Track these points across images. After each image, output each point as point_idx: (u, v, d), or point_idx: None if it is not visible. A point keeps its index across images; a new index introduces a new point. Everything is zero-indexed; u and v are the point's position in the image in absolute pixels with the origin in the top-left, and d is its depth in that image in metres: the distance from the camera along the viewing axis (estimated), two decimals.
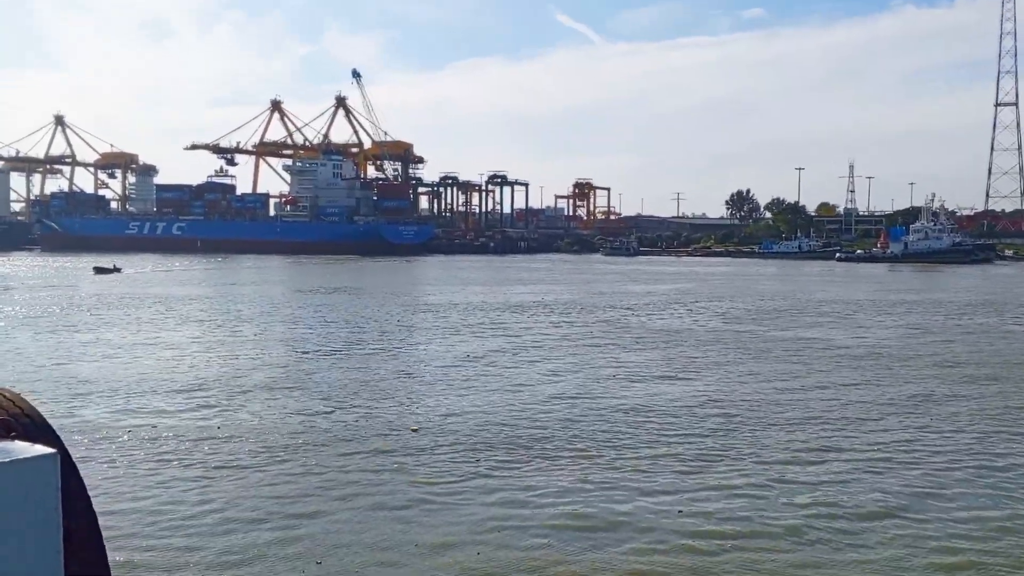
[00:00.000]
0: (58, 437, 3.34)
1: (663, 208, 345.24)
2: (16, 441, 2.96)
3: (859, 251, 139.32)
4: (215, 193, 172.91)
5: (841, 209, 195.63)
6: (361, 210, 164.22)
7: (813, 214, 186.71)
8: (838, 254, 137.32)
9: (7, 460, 2.70)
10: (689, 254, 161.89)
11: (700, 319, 45.54)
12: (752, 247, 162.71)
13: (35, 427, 3.29)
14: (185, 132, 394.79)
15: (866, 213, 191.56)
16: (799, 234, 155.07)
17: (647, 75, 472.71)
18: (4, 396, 3.40)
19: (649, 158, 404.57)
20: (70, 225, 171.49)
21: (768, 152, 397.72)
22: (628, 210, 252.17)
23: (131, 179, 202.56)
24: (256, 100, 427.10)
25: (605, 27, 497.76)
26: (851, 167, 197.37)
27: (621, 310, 50.29)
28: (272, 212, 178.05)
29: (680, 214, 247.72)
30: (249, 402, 22.29)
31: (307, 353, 31.68)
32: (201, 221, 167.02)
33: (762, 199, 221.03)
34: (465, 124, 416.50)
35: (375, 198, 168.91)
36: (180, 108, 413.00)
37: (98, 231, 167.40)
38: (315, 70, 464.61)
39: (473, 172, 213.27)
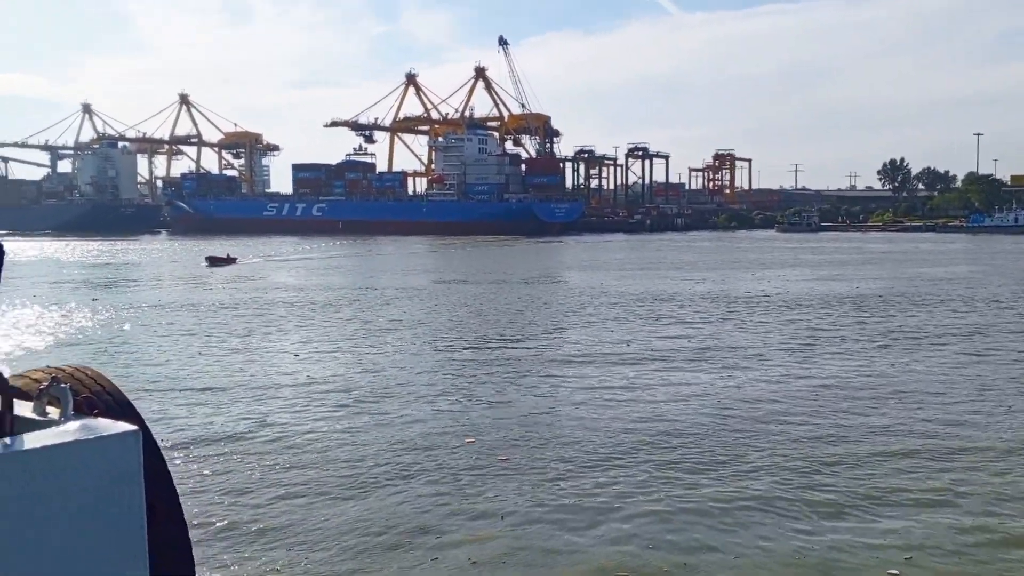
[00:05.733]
0: (139, 415, 3.31)
1: (772, 179, 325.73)
2: (99, 418, 2.89)
3: None
4: (355, 172, 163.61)
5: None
6: (510, 187, 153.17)
7: (1008, 184, 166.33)
8: None
9: (91, 437, 2.68)
10: (881, 229, 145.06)
11: None
12: (944, 220, 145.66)
13: (117, 405, 3.28)
14: (261, 113, 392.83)
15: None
16: (1015, 205, 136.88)
17: (725, 44, 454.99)
18: (86, 375, 3.39)
19: (728, 127, 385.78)
20: (203, 207, 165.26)
21: (864, 117, 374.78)
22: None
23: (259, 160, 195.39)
24: (333, 81, 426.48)
25: None
26: None
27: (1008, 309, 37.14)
28: (411, 191, 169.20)
29: (799, 185, 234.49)
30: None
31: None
32: (343, 202, 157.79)
33: (865, 164, 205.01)
34: (540, 98, 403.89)
35: (523, 174, 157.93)
36: (257, 89, 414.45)
37: (234, 213, 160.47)
38: (389, 49, 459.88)
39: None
